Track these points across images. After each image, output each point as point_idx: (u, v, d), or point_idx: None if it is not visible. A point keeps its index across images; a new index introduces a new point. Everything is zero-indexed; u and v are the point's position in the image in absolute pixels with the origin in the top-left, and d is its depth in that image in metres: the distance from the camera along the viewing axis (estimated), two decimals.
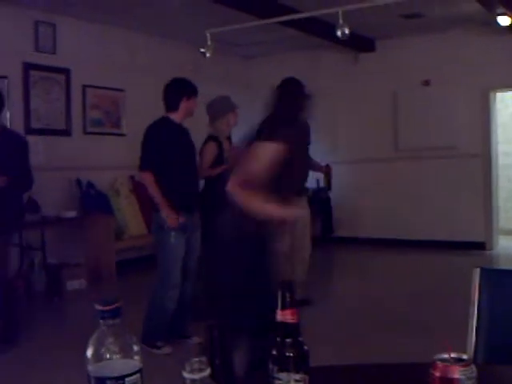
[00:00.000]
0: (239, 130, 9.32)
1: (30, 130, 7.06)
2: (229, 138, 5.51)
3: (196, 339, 4.57)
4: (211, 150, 5.29)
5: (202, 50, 7.35)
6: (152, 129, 4.50)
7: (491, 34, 8.22)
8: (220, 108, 5.36)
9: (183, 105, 4.51)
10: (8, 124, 6.84)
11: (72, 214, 6.94)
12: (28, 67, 7.06)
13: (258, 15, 7.22)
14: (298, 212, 3.11)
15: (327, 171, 6.33)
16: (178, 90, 4.56)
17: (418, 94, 9.12)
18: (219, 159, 5.26)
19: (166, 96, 4.59)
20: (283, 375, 1.14)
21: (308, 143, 4.41)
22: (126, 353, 1.07)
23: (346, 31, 6.44)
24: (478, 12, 7.43)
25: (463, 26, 8.43)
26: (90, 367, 1.07)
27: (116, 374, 1.05)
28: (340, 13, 6.35)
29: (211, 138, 5.36)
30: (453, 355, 1.18)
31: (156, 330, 4.56)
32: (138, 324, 4.43)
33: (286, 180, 3.14)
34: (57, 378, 4.05)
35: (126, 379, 1.05)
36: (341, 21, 6.38)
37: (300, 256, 5.76)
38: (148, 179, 4.42)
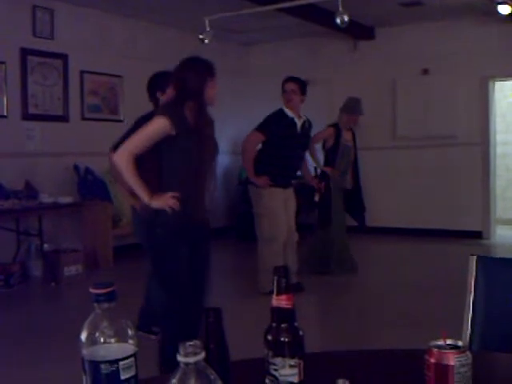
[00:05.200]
0: (241, 117, 9.33)
1: (27, 116, 7.05)
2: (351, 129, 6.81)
3: None
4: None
5: (201, 36, 7.32)
6: (142, 122, 4.43)
7: (491, 23, 8.20)
8: (347, 105, 6.74)
9: (162, 98, 4.41)
10: (5, 110, 6.84)
11: (69, 199, 6.93)
12: (26, 53, 7.02)
13: (257, 2, 7.18)
14: (164, 203, 3.11)
15: (318, 187, 6.44)
16: (152, 85, 4.48)
17: (416, 82, 9.10)
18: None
19: (147, 92, 4.56)
20: (278, 360, 1.14)
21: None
22: (121, 337, 1.07)
23: (346, 19, 6.40)
24: (478, 0, 7.40)
25: (463, 15, 8.40)
26: (85, 351, 1.06)
27: (110, 358, 1.04)
28: (339, 0, 6.32)
29: (332, 124, 6.73)
30: (448, 342, 1.18)
31: (150, 316, 4.56)
32: (135, 309, 4.44)
33: (167, 168, 3.23)
34: (53, 361, 4.05)
35: (120, 363, 1.05)
36: (340, 8, 6.34)
37: (288, 243, 5.82)
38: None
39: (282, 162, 5.69)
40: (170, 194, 3.11)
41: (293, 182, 6.10)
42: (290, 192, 5.92)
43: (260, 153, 5.83)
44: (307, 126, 5.88)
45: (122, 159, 3.13)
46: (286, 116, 5.71)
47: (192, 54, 3.41)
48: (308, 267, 6.48)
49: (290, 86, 5.75)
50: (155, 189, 3.16)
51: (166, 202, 3.10)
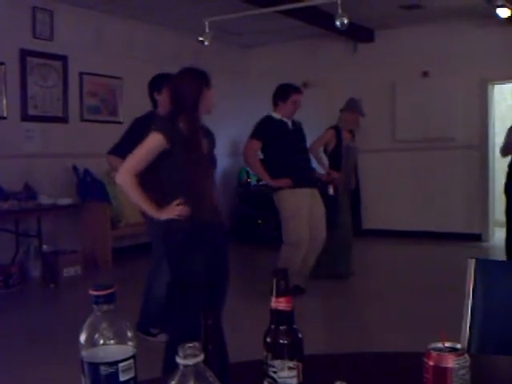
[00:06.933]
0: (240, 118, 9.35)
1: (26, 117, 7.05)
2: (350, 132, 6.75)
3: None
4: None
5: (201, 38, 7.33)
6: (138, 122, 4.46)
7: (490, 26, 8.21)
8: (349, 104, 6.73)
9: (158, 98, 4.47)
10: (4, 111, 6.84)
11: (68, 201, 6.93)
12: (25, 54, 7.02)
13: (257, 4, 7.19)
14: (173, 213, 3.15)
15: (330, 180, 6.41)
16: (150, 86, 4.58)
17: (416, 85, 9.11)
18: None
19: (148, 94, 4.62)
20: (277, 362, 1.14)
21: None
22: (120, 338, 1.07)
23: (345, 21, 6.41)
24: (477, 3, 7.41)
25: (462, 18, 8.41)
26: (84, 353, 1.06)
27: (109, 360, 1.05)
28: (339, 3, 6.32)
29: (331, 126, 6.65)
30: (447, 344, 1.18)
31: (151, 318, 4.56)
32: (134, 311, 4.43)
33: (165, 179, 3.25)
34: (52, 363, 4.05)
35: (120, 364, 1.05)
36: (340, 11, 6.35)
37: (314, 245, 5.78)
38: (113, 163, 4.43)
39: (289, 160, 5.65)
40: (175, 202, 3.14)
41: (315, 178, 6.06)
42: (315, 194, 5.86)
43: (267, 161, 5.81)
44: (298, 125, 5.86)
45: (124, 180, 3.18)
46: (274, 119, 5.72)
47: (189, 65, 3.42)
48: (317, 271, 6.41)
49: (300, 98, 5.75)
50: (160, 200, 3.19)
51: (173, 211, 3.13)
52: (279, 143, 5.66)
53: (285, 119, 5.71)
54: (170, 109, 3.34)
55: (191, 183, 3.22)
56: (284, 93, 5.74)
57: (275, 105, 5.78)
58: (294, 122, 5.80)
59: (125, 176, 3.17)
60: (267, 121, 5.76)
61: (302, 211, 5.65)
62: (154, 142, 3.15)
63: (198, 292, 3.22)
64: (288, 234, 5.74)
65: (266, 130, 5.71)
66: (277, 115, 5.73)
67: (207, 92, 3.28)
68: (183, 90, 3.25)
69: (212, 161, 3.42)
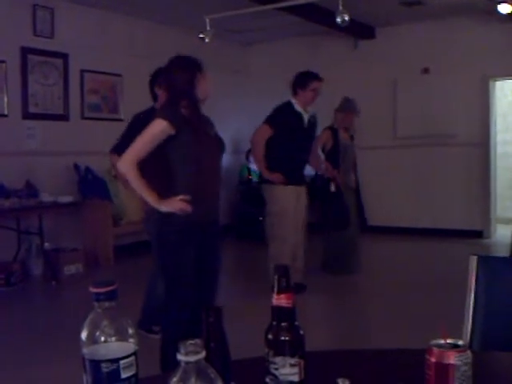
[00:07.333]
0: (241, 116, 9.33)
1: (27, 115, 7.05)
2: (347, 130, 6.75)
3: None
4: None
5: (201, 35, 7.32)
6: (138, 118, 4.46)
7: (491, 22, 8.20)
8: (342, 104, 6.73)
9: (159, 93, 4.48)
10: (6, 109, 6.84)
11: (70, 198, 6.92)
12: (26, 52, 7.02)
13: (258, 1, 7.18)
14: (174, 207, 3.13)
15: (333, 176, 6.42)
16: (151, 81, 4.59)
17: (417, 81, 9.09)
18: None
19: (149, 90, 4.63)
20: (278, 359, 1.14)
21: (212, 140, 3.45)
22: (121, 335, 1.07)
23: (346, 18, 6.40)
24: (478, 0, 7.40)
25: (463, 14, 8.39)
26: (85, 350, 1.06)
27: (110, 357, 1.04)
28: None
29: (327, 127, 6.66)
30: (448, 341, 1.18)
31: (153, 316, 4.56)
32: (135, 308, 4.44)
33: (170, 172, 3.24)
34: (54, 360, 4.05)
35: (121, 362, 1.05)
36: (340, 7, 6.34)
37: (298, 238, 5.78)
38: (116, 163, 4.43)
39: (292, 156, 5.63)
40: (180, 197, 3.12)
41: (306, 178, 6.06)
42: (303, 189, 5.87)
43: (269, 150, 5.80)
44: (313, 121, 5.84)
45: (126, 166, 3.16)
46: (295, 109, 5.67)
47: (191, 54, 3.42)
48: (331, 269, 6.49)
49: (319, 85, 5.73)
50: (162, 191, 3.17)
51: (174, 205, 3.11)
52: (288, 138, 5.63)
53: (304, 112, 5.68)
54: (168, 97, 3.36)
55: (197, 171, 3.20)
56: (303, 80, 5.70)
57: (294, 93, 5.73)
58: (309, 120, 5.76)
59: (126, 163, 3.16)
60: (287, 109, 5.70)
61: (289, 208, 5.65)
62: (157, 127, 3.15)
63: (185, 289, 3.23)
64: (273, 228, 5.75)
65: (283, 118, 5.67)
66: (297, 105, 5.69)
67: (201, 77, 3.29)
68: (176, 77, 3.27)
69: (219, 141, 3.42)
